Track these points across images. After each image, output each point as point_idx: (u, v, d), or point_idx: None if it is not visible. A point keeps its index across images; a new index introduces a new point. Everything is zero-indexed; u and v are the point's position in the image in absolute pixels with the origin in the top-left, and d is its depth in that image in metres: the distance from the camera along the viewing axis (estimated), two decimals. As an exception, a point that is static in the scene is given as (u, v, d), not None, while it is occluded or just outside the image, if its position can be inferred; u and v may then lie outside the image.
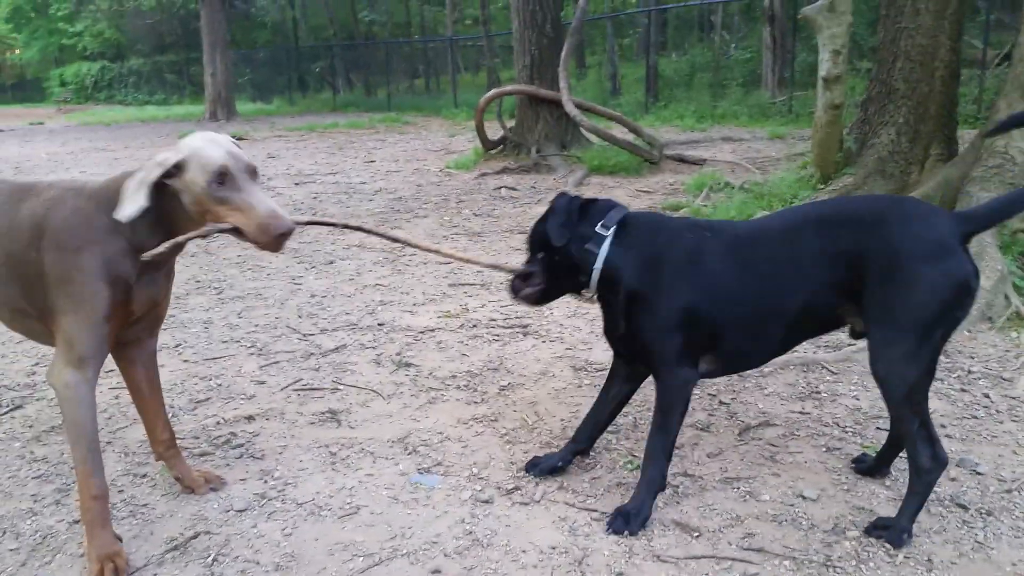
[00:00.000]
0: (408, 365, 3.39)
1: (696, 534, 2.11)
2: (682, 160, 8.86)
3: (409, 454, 2.62)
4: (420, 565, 2.02)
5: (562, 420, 2.85)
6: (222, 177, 1.90)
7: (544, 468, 2.45)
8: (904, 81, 5.03)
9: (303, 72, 29.06)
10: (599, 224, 2.22)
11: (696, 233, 2.21)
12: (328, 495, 2.38)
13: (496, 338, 3.71)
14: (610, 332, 2.32)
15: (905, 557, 1.99)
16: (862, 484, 2.35)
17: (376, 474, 2.49)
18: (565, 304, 4.16)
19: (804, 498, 2.28)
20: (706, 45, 19.80)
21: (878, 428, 2.70)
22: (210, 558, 2.06)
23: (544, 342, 3.65)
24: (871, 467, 2.40)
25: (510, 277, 2.42)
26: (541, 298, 2.40)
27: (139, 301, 2.07)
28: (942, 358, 3.25)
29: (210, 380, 3.29)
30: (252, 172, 1.96)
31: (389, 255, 5.41)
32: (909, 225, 1.97)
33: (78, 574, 2.03)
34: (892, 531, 2.04)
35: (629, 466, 2.49)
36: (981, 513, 2.19)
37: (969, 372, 3.16)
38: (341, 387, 3.19)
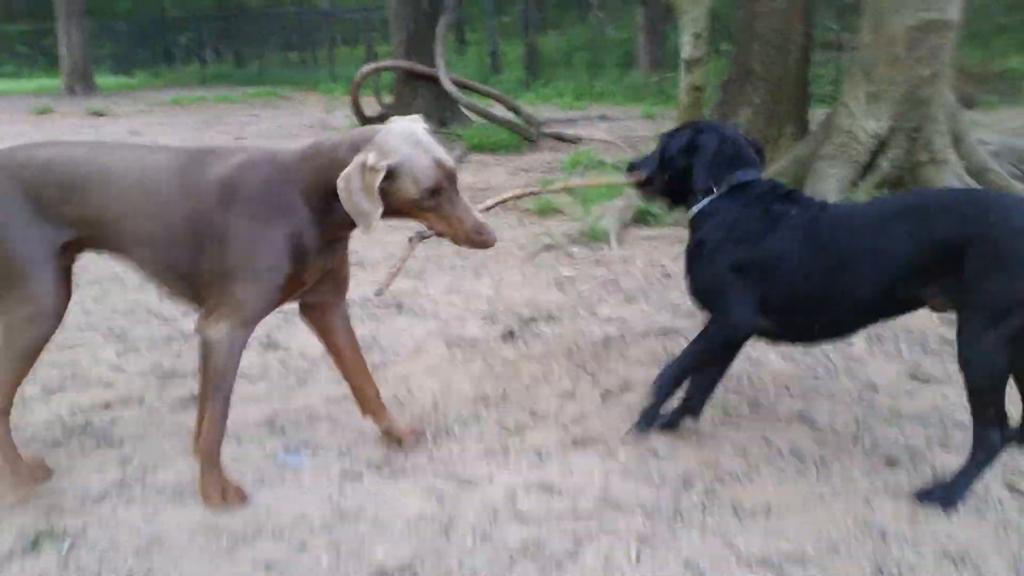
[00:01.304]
0: (277, 346, 3.35)
1: (558, 493, 2.22)
2: (560, 138, 9.01)
3: (276, 435, 2.60)
4: (286, 542, 2.03)
5: (433, 394, 2.89)
6: (435, 193, 1.91)
7: (654, 423, 2.51)
8: (760, 63, 5.33)
9: (169, 44, 27.54)
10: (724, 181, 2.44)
11: (783, 207, 2.34)
12: (191, 480, 2.33)
13: (371, 316, 3.71)
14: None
15: (744, 504, 2.16)
16: (710, 441, 2.52)
17: (241, 457, 2.46)
18: (441, 280, 4.20)
19: (657, 455, 2.43)
20: (584, 24, 20.13)
21: (725, 389, 2.88)
22: (65, 546, 2.00)
23: (419, 319, 3.68)
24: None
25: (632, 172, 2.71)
26: (650, 198, 2.81)
27: (311, 272, 2.11)
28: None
29: (64, 368, 3.14)
30: (455, 179, 1.96)
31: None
32: (1014, 217, 2.02)
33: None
34: (945, 492, 2.13)
35: (497, 435, 2.57)
36: (816, 462, 2.40)
37: (812, 335, 3.42)
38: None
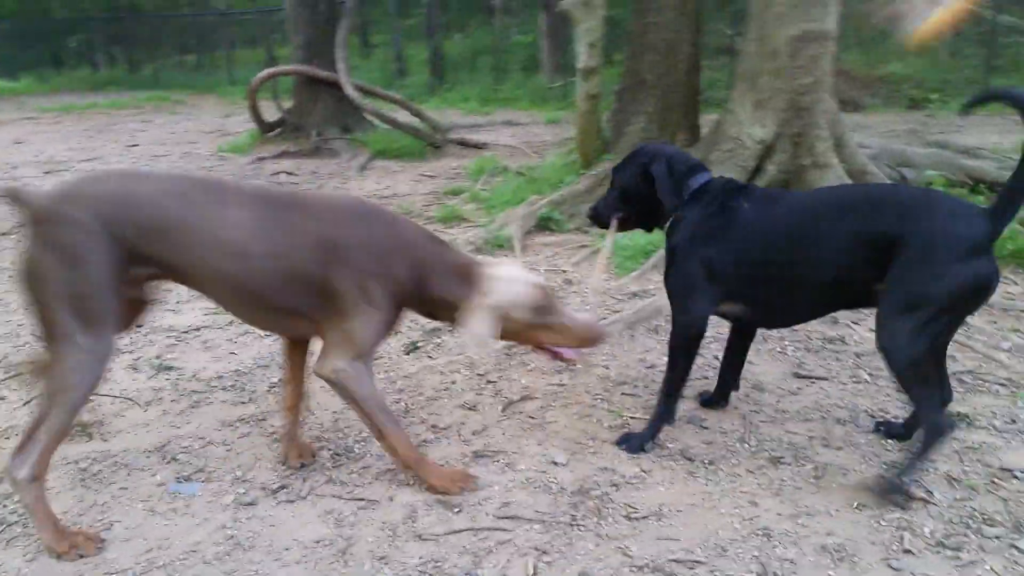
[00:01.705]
0: (169, 368, 3.24)
1: (457, 509, 2.23)
2: (464, 144, 9.03)
3: (168, 463, 2.52)
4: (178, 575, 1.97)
5: (334, 412, 2.86)
6: (542, 311, 2.26)
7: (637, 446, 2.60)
8: (652, 73, 5.48)
9: (57, 47, 26.14)
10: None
11: (737, 202, 2.49)
12: (78, 513, 2.24)
13: (267, 333, 3.63)
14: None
15: (637, 509, 2.23)
16: (606, 447, 2.58)
17: (131, 487, 2.38)
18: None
19: (556, 464, 2.48)
20: (488, 28, 20.20)
21: (623, 393, 2.97)
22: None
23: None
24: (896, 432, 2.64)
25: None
26: (621, 228, 2.83)
27: (402, 319, 2.37)
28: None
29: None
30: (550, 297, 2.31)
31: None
32: (950, 220, 2.12)
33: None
34: (891, 481, 2.26)
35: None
36: (704, 463, 2.49)
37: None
38: (92, 397, 2.98)
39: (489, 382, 3.08)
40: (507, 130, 10.65)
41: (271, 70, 9.73)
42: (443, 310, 2.31)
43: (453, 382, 3.08)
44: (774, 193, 2.63)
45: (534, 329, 2.27)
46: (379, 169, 7.93)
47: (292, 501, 2.31)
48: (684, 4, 5.39)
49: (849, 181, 4.79)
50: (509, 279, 2.25)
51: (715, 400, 2.87)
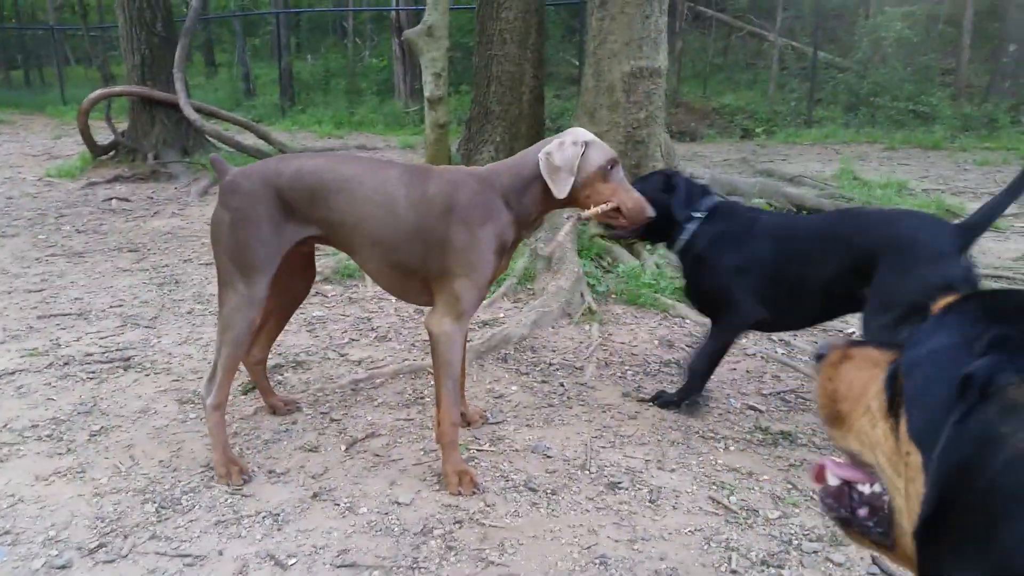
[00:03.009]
0: (-27, 420, 2.94)
1: (291, 561, 2.14)
2: (314, 168, 8.81)
3: (-34, 528, 2.28)
4: (-31, 659, 1.77)
5: (161, 461, 2.69)
6: (614, 164, 2.41)
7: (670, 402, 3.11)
8: (498, 103, 5.59)
9: None
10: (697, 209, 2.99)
11: (752, 219, 2.93)
12: None
13: (91, 376, 3.38)
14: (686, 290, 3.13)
15: (480, 545, 2.22)
16: (451, 483, 2.57)
17: (-81, 559, 2.13)
18: (176, 330, 3.93)
19: (399, 504, 2.43)
20: (341, 50, 19.96)
21: (469, 431, 2.97)
22: None
23: (148, 375, 3.40)
24: None
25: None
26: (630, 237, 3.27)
27: (499, 269, 2.51)
28: (531, 355, 3.70)
29: None
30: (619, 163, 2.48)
31: (-39, 285, 4.63)
32: (918, 232, 2.54)
33: None
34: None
35: (229, 502, 2.44)
36: (547, 493, 2.53)
37: (550, 364, 3.62)
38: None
39: (333, 420, 3.00)
40: (361, 155, 10.50)
41: (104, 90, 9.14)
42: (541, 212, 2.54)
43: (294, 422, 2.97)
44: (783, 214, 3.05)
45: (602, 182, 2.41)
46: (223, 195, 7.59)
47: (111, 561, 2.14)
48: (526, 38, 5.55)
49: (684, 210, 5.05)
50: (584, 135, 2.44)
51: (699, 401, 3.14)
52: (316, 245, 2.76)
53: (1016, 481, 0.55)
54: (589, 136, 2.44)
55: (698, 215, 2.98)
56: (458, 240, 2.40)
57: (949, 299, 0.76)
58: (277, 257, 2.51)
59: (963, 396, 0.63)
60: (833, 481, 0.86)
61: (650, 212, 2.46)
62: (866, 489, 0.82)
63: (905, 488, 0.69)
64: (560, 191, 2.37)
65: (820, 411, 0.90)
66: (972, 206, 6.60)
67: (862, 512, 0.81)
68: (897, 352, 0.81)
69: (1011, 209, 6.55)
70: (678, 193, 2.97)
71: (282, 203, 2.47)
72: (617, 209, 2.41)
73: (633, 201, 2.42)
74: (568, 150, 2.39)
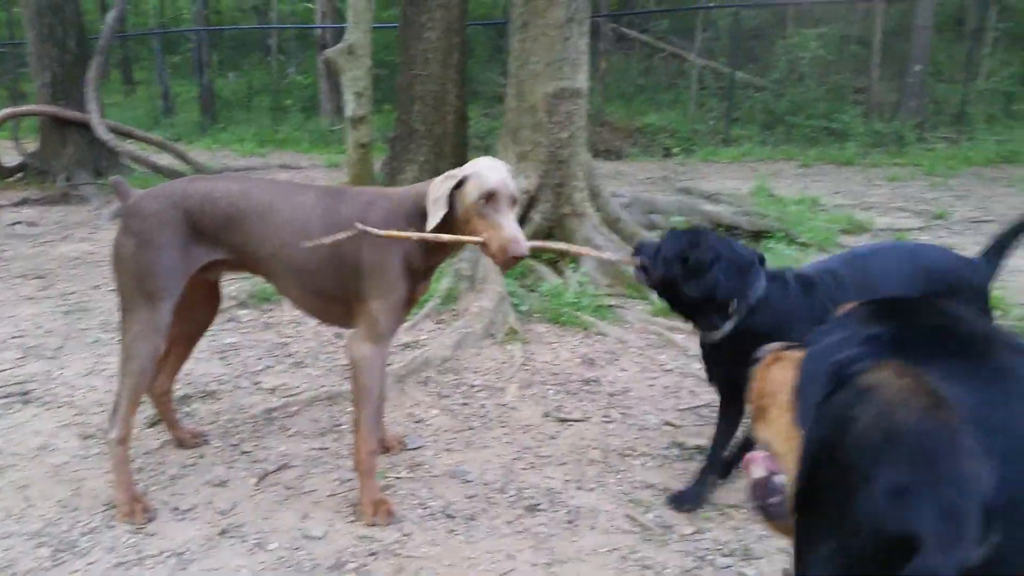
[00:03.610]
0: None
1: (195, 603, 2.05)
2: (236, 188, 8.62)
3: None
4: None
5: (59, 501, 2.55)
6: (490, 197, 2.21)
7: (693, 499, 2.56)
8: (422, 123, 5.57)
9: None
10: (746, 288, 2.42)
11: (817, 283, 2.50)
12: None
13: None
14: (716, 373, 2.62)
15: (397, 573, 2.18)
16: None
17: None
18: (81, 361, 3.76)
19: (311, 538, 2.36)
20: (265, 67, 19.63)
21: (388, 458, 2.91)
22: None
23: (49, 409, 3.24)
24: None
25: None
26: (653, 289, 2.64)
27: (418, 291, 2.49)
28: (452, 377, 3.67)
29: None
30: (513, 201, 2.26)
31: None
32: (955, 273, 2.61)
33: None
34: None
35: (132, 542, 2.33)
36: (465, 519, 2.50)
37: (472, 386, 3.59)
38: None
39: (243, 452, 2.90)
40: (284, 174, 10.33)
41: (12, 109, 8.79)
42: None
43: (202, 456, 2.86)
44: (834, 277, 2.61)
45: (476, 216, 2.25)
46: (138, 217, 7.34)
47: (-2, 614, 2.01)
48: (448, 57, 5.55)
49: (604, 229, 5.11)
50: (476, 166, 2.30)
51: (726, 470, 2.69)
52: (224, 272, 2.70)
53: (861, 456, 0.61)
54: (490, 166, 2.29)
55: (750, 299, 2.41)
56: (368, 262, 2.37)
57: (850, 304, 0.84)
58: (182, 282, 2.45)
59: (830, 379, 0.71)
60: (759, 473, 0.90)
61: (514, 251, 2.17)
62: (781, 479, 0.86)
63: (792, 470, 0.75)
64: (430, 222, 2.27)
65: (751, 409, 0.94)
66: (881, 220, 6.88)
67: (774, 500, 0.86)
68: None
69: (915, 223, 6.80)
70: (720, 265, 2.39)
71: (189, 226, 2.42)
72: (484, 244, 2.23)
73: (499, 239, 2.18)
74: (443, 183, 2.31)
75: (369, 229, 2.22)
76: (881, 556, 0.58)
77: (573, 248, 2.72)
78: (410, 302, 2.51)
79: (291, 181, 2.65)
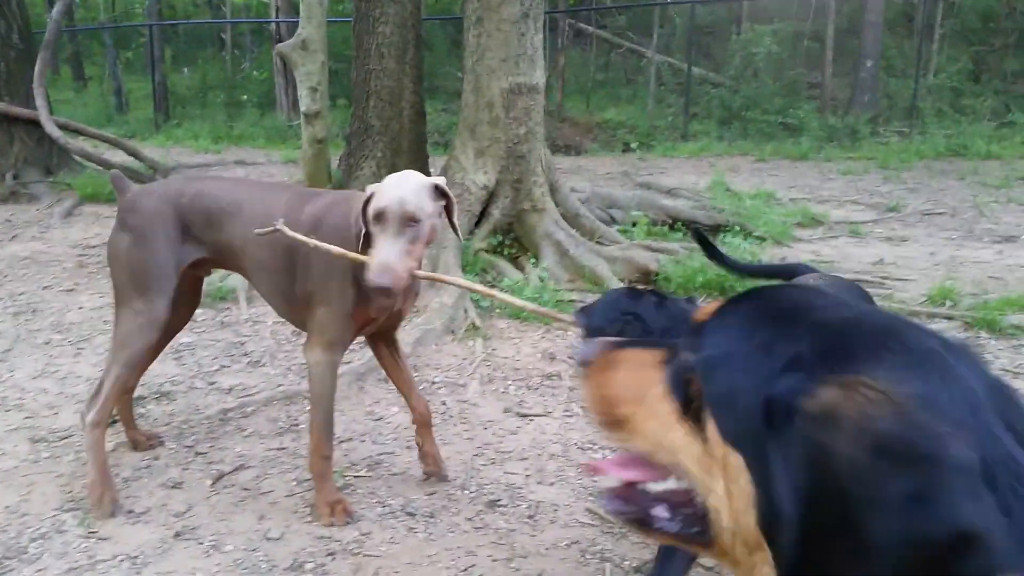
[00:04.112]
0: None
1: (149, 608, 2.02)
2: (191, 186, 8.47)
3: None
4: None
5: (7, 507, 2.48)
6: (379, 216, 2.10)
7: None
8: (378, 119, 5.52)
9: None
10: None
11: None
12: None
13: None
14: None
15: (356, 572, 2.16)
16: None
17: None
18: (31, 363, 3.66)
19: (269, 539, 2.34)
20: (219, 62, 19.31)
21: (345, 453, 2.89)
22: None
23: (-4, 413, 3.16)
24: None
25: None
26: None
27: (377, 307, 2.34)
28: (413, 374, 3.64)
29: None
30: (408, 220, 2.10)
31: None
32: None
33: None
34: None
35: (84, 547, 2.28)
36: (425, 517, 2.49)
37: (433, 383, 3.57)
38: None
39: (199, 454, 2.86)
40: (240, 170, 10.17)
41: (-47, 105, 8.48)
42: None
43: (156, 458, 2.81)
44: None
45: (374, 234, 2.13)
46: (88, 215, 7.18)
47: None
48: (404, 53, 5.52)
49: (563, 223, 5.13)
50: (386, 181, 2.22)
51: None
52: (211, 269, 2.77)
53: (857, 486, 0.58)
54: (396, 183, 2.17)
55: None
56: (316, 268, 2.34)
57: (718, 303, 0.80)
58: (176, 277, 2.51)
59: (772, 415, 0.66)
60: (622, 478, 0.84)
61: (375, 280, 2.03)
62: (658, 487, 0.81)
63: (726, 487, 0.70)
64: (352, 232, 2.21)
65: (595, 416, 0.88)
66: (836, 213, 7.01)
67: (658, 511, 0.80)
68: (666, 351, 0.82)
69: (869, 215, 6.97)
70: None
71: (181, 223, 2.49)
72: (366, 266, 2.10)
73: (375, 262, 2.06)
74: (359, 195, 2.25)
75: (285, 229, 2.23)
76: (926, 565, 0.55)
77: (485, 290, 2.27)
78: (365, 313, 2.36)
79: (276, 183, 2.63)
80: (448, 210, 2.30)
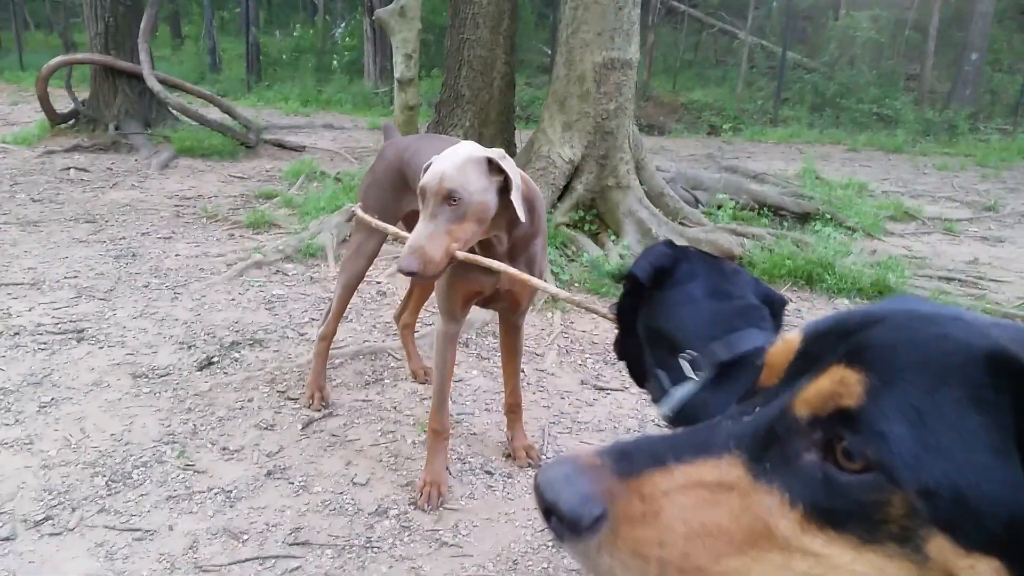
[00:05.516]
0: (-83, 388, 2.86)
1: (244, 537, 2.13)
2: (281, 146, 8.70)
3: (-95, 497, 2.22)
4: (-94, 630, 1.74)
5: (112, 435, 2.65)
6: (421, 194, 2.02)
7: None
8: (469, 88, 5.56)
9: None
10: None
11: None
12: None
13: (43, 347, 3.30)
14: None
15: (437, 528, 2.23)
16: (408, 463, 2.57)
17: None
18: (132, 303, 3.86)
19: (355, 483, 2.43)
20: (312, 27, 19.65)
21: (427, 410, 2.96)
22: None
23: (102, 348, 3.34)
24: None
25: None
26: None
27: (481, 282, 2.31)
28: (492, 340, 3.70)
29: None
30: (446, 198, 1.96)
31: (-93, 251, 4.48)
32: None
33: None
34: None
35: (181, 477, 2.41)
36: (504, 476, 2.54)
37: (511, 350, 3.62)
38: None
39: (290, 399, 2.98)
40: (328, 133, 10.39)
41: (64, 58, 8.89)
42: None
43: (250, 400, 2.94)
44: None
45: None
46: (184, 168, 7.47)
47: (58, 534, 2.11)
48: (498, 23, 5.52)
49: (647, 202, 5.09)
50: (441, 155, 2.04)
51: None
52: None
53: None
54: (446, 157, 2.03)
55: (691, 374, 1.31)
56: None
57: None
58: (392, 222, 2.67)
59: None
60: None
61: (403, 266, 1.92)
62: None
63: None
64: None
65: None
66: (930, 209, 6.76)
67: None
68: (731, 453, 0.60)
69: (965, 213, 6.70)
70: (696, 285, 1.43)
71: (402, 176, 2.64)
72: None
73: (409, 241, 1.97)
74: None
75: (358, 211, 2.36)
76: None
77: (523, 276, 1.96)
78: (468, 289, 2.31)
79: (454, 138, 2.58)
80: (506, 187, 2.06)
